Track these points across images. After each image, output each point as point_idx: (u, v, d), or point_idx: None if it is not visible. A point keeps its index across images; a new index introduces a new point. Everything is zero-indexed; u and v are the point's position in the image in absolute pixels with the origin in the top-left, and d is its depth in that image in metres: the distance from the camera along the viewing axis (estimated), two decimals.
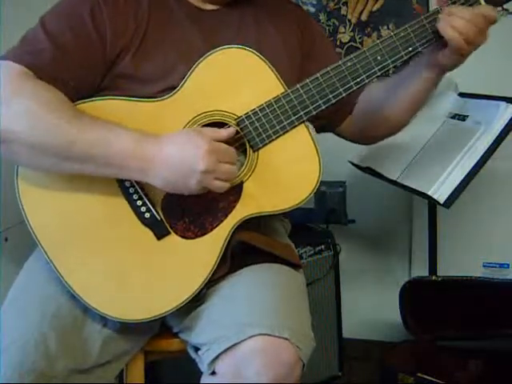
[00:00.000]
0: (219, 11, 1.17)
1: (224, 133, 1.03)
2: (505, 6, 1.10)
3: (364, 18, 1.99)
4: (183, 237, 1.05)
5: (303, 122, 1.06)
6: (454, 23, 1.02)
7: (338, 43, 2.02)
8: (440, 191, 1.39)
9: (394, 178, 1.53)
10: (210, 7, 1.17)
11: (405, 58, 1.08)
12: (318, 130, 1.12)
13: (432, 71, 1.11)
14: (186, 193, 1.01)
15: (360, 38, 2.00)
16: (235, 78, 1.06)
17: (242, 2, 1.19)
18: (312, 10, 2.01)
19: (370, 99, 1.25)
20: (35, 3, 1.37)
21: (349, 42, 2.01)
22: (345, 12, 2.00)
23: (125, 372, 1.13)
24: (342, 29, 2.01)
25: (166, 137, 1.00)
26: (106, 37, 1.06)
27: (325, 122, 1.22)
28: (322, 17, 2.02)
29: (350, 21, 2.00)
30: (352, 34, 2.01)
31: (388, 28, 1.97)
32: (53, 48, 1.03)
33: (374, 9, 1.98)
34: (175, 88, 1.06)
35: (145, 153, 0.97)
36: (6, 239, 1.53)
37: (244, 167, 1.05)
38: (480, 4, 1.06)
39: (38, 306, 1.02)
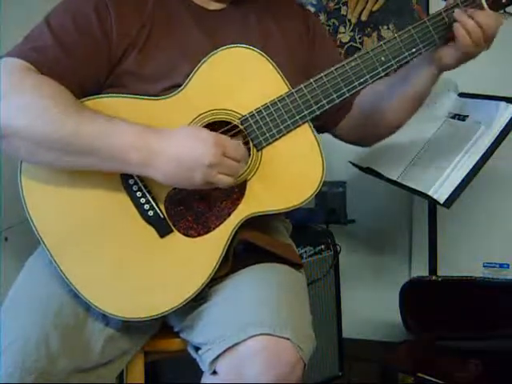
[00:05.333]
0: (223, 11, 1.18)
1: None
2: (506, 10, 1.12)
3: (364, 18, 2.00)
4: (186, 235, 1.05)
5: (307, 121, 1.06)
6: (468, 25, 1.05)
7: (338, 43, 2.02)
8: (440, 191, 1.39)
9: (394, 178, 1.53)
10: (213, 7, 1.17)
11: (408, 58, 1.09)
12: (316, 130, 1.12)
13: (434, 68, 1.13)
14: (190, 187, 1.00)
15: (360, 38, 2.01)
16: (239, 76, 1.06)
17: (245, 1, 1.19)
18: (312, 10, 2.01)
19: (367, 98, 1.25)
20: (35, 3, 1.37)
21: (349, 42, 2.02)
22: (345, 12, 2.01)
23: (125, 372, 1.13)
24: (342, 29, 2.01)
25: (169, 130, 0.99)
26: (112, 35, 1.06)
27: (322, 121, 1.21)
28: (322, 17, 2.02)
29: (350, 21, 2.01)
30: (352, 34, 2.01)
31: (388, 28, 1.98)
32: (57, 45, 1.03)
33: (374, 9, 1.98)
34: (180, 86, 1.06)
35: (148, 145, 0.97)
36: (6, 239, 1.53)
37: (247, 166, 1.05)
38: (483, 8, 1.07)
39: (39, 304, 1.02)
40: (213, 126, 1.05)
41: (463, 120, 1.54)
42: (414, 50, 1.08)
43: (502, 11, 1.10)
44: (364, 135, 1.31)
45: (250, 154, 1.05)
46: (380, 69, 1.08)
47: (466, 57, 1.09)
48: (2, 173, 1.38)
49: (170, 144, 0.97)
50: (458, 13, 1.07)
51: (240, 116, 1.06)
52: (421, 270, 1.91)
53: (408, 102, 1.18)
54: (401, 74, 1.19)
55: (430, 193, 1.40)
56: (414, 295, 1.73)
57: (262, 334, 0.93)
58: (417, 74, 1.14)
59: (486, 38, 1.07)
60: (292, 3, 1.31)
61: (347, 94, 1.07)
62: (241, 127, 1.05)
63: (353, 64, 1.07)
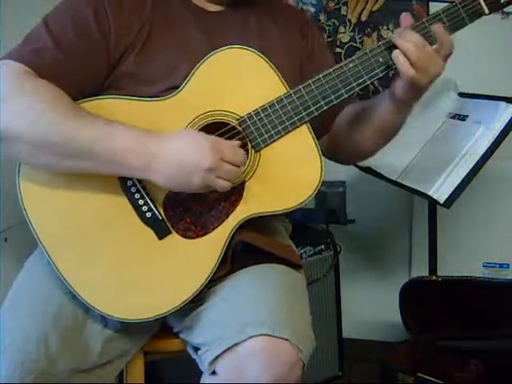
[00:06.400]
0: (222, 12, 1.18)
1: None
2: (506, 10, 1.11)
3: (364, 18, 1.99)
4: (184, 236, 1.05)
5: (305, 122, 1.06)
6: (404, 48, 1.01)
7: (338, 43, 2.02)
8: (440, 191, 1.39)
9: (394, 178, 1.54)
10: (213, 8, 1.17)
11: None
12: None
13: (394, 103, 1.09)
14: (188, 191, 1.01)
15: (360, 37, 2.00)
16: (237, 78, 1.06)
17: (244, 4, 1.19)
18: (312, 10, 2.01)
19: (341, 123, 1.24)
20: (35, 3, 1.37)
21: (349, 42, 2.01)
22: (345, 12, 2.00)
23: (125, 372, 1.13)
24: (342, 29, 2.01)
25: (168, 134, 1.00)
26: (110, 37, 1.06)
27: None
28: (322, 17, 2.02)
29: (350, 21, 2.00)
30: (352, 34, 2.01)
31: (388, 28, 1.97)
32: (55, 48, 1.03)
33: (374, 9, 1.98)
34: (178, 88, 1.06)
35: (147, 149, 0.97)
36: (6, 239, 1.53)
37: (246, 167, 1.05)
38: (482, 10, 1.07)
39: (38, 305, 1.02)
40: (211, 128, 1.05)
41: (463, 120, 1.54)
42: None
43: (500, 12, 1.09)
44: (336, 157, 1.29)
45: (248, 155, 1.05)
46: (378, 70, 1.07)
47: (416, 87, 1.03)
48: (1, 173, 1.38)
49: (169, 148, 0.98)
50: (396, 38, 1.02)
51: (238, 117, 1.06)
52: (421, 270, 1.91)
53: (374, 133, 1.16)
54: (369, 104, 1.16)
55: (430, 193, 1.40)
56: (414, 295, 1.73)
57: (261, 335, 0.93)
58: (380, 107, 1.12)
59: (431, 60, 1.00)
60: (291, 7, 1.32)
61: (345, 95, 1.07)
62: (239, 128, 1.05)
63: (351, 65, 1.07)
